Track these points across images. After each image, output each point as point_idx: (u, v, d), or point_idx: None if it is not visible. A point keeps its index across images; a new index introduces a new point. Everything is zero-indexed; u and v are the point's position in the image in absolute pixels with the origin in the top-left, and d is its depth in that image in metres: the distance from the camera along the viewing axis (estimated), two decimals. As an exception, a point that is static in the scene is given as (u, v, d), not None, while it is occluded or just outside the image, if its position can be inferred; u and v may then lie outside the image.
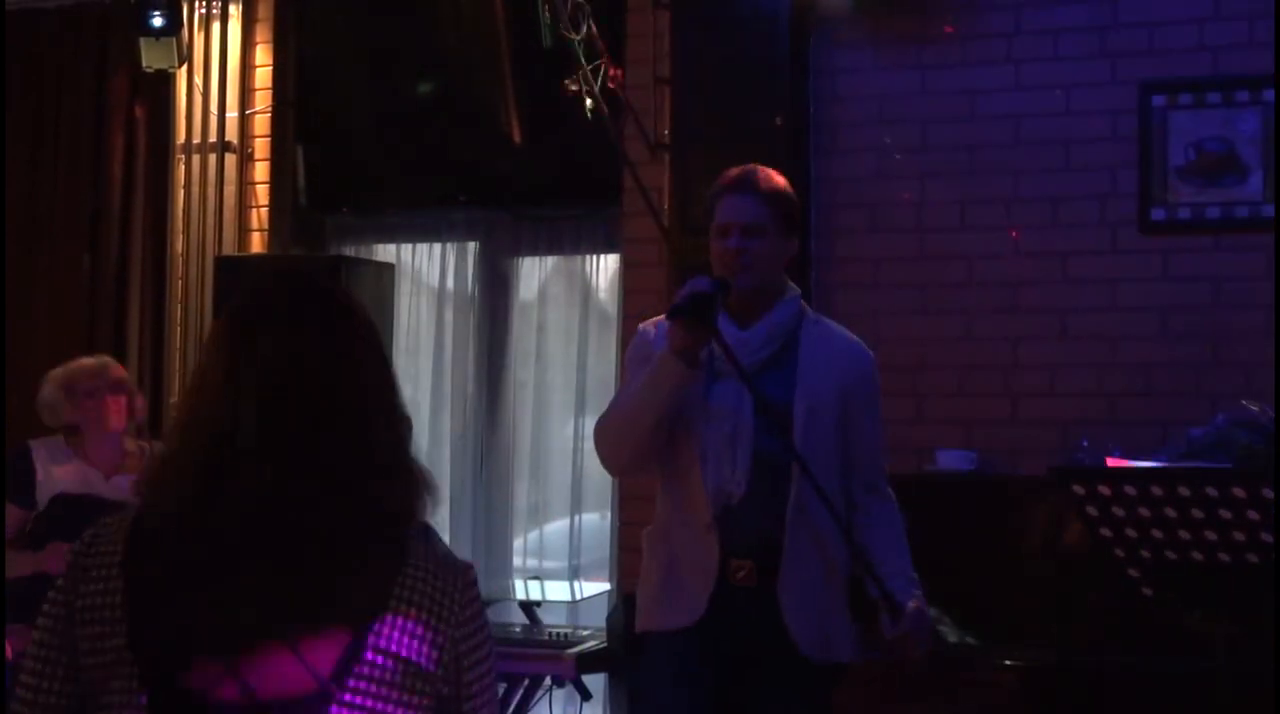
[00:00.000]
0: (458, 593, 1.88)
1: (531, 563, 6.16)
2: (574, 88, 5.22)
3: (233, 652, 1.76)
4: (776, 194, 3.59)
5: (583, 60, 5.16)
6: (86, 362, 4.94)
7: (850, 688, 3.80)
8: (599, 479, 6.02)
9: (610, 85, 5.29)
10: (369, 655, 1.80)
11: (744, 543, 3.45)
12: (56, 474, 4.75)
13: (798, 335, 3.57)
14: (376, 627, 1.81)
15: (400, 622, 1.82)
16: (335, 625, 1.80)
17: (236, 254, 6.30)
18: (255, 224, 6.44)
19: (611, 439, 3.56)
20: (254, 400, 1.82)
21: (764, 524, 3.45)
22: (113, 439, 4.83)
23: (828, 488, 3.40)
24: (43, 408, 4.87)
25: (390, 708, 1.80)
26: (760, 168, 3.67)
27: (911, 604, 3.43)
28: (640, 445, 3.50)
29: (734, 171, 3.66)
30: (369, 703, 1.79)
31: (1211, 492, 3.24)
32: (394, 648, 1.81)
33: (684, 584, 3.49)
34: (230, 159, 6.42)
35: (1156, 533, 3.34)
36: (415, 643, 1.83)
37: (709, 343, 3.41)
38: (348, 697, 1.78)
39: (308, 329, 1.87)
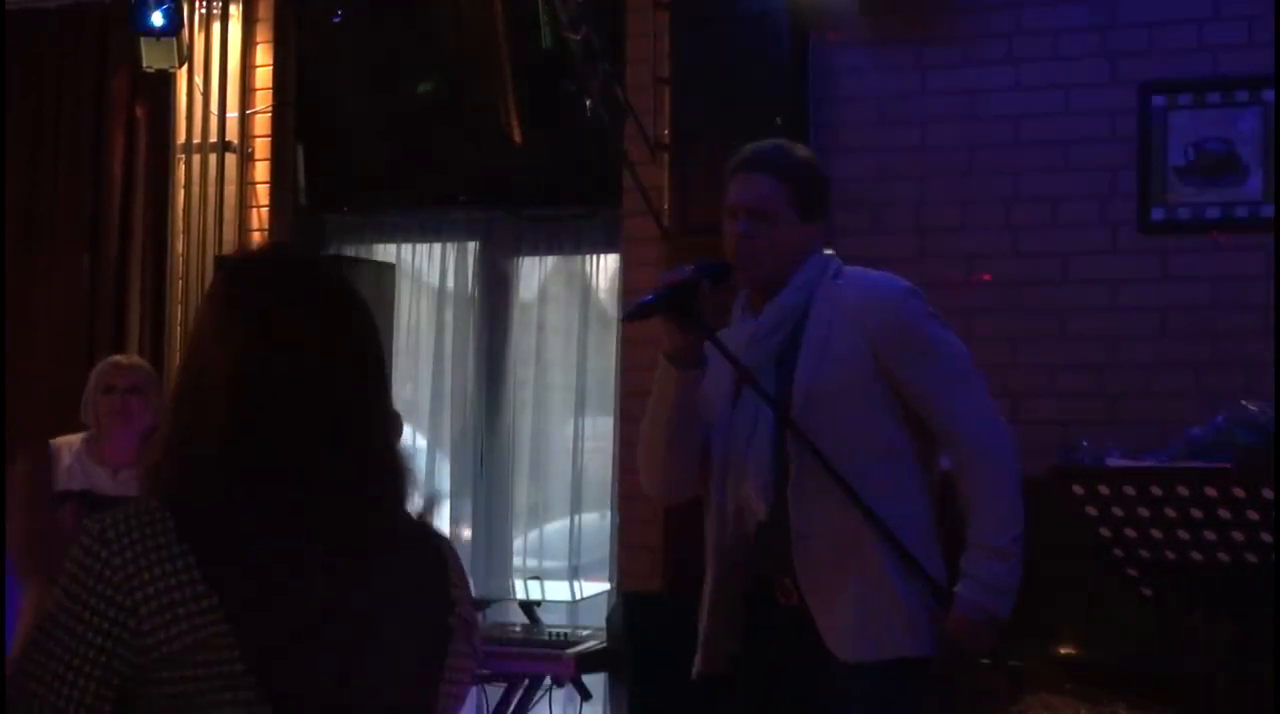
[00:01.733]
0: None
1: (531, 563, 6.15)
2: (574, 88, 5.22)
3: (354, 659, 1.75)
4: (793, 172, 3.24)
5: (582, 60, 5.16)
6: (118, 359, 4.98)
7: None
8: (599, 479, 6.03)
9: (609, 85, 5.29)
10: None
11: (779, 562, 3.14)
12: (66, 474, 4.78)
13: (809, 308, 3.21)
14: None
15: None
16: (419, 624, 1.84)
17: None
18: (255, 224, 6.44)
19: (641, 462, 3.28)
20: (278, 386, 1.77)
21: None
22: (127, 437, 4.84)
23: (854, 463, 3.05)
24: (84, 401, 4.90)
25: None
26: (783, 142, 3.37)
27: (961, 589, 3.04)
28: (664, 465, 3.22)
29: (750, 145, 3.33)
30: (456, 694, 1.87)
31: (1211, 492, 3.25)
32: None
33: (716, 619, 3.22)
34: (230, 159, 6.42)
35: (1156, 533, 3.35)
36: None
37: (702, 338, 3.11)
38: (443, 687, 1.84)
39: (324, 315, 1.83)
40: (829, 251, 3.32)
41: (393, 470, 1.84)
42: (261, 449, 1.75)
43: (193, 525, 1.71)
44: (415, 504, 1.87)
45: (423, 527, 1.89)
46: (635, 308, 3.21)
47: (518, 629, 5.47)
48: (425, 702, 1.83)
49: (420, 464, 6.03)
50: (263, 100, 6.45)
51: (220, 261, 6.13)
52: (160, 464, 1.78)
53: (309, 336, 1.79)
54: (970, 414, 3.18)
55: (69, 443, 4.85)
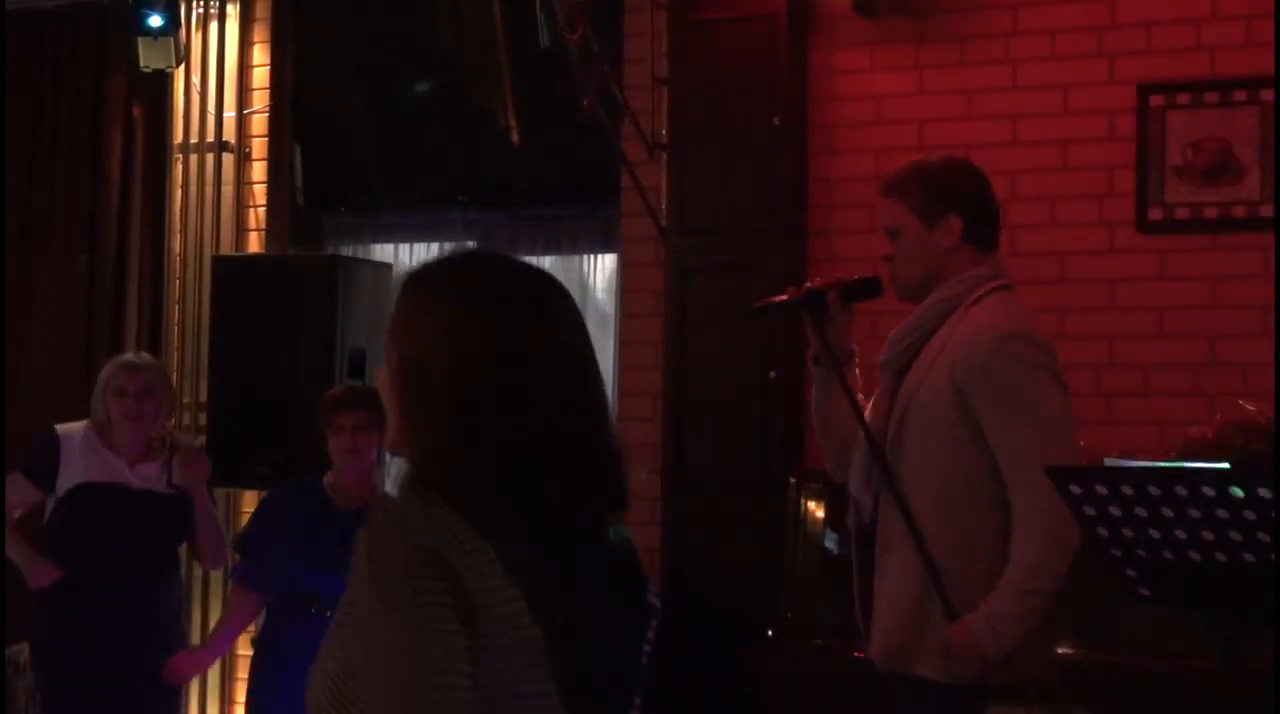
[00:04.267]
0: None
1: (530, 562, 6.15)
2: (572, 88, 5.22)
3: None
4: (904, 186, 3.34)
5: (580, 60, 5.16)
6: (129, 359, 5.03)
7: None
8: (597, 479, 6.02)
9: (609, 85, 5.29)
10: None
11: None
12: (81, 462, 4.80)
13: (938, 328, 3.29)
14: None
15: None
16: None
17: (234, 254, 6.30)
18: (253, 224, 6.44)
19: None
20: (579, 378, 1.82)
21: None
22: (140, 435, 4.87)
23: (926, 491, 3.18)
24: (95, 397, 4.92)
25: None
26: (913, 160, 3.45)
27: (966, 619, 3.13)
28: (825, 451, 3.48)
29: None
30: None
31: (1208, 491, 3.24)
32: None
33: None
34: (228, 159, 6.42)
35: (1153, 533, 3.34)
36: None
37: (823, 338, 3.34)
38: None
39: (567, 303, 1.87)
40: (988, 270, 3.34)
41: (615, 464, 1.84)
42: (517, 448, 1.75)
43: (483, 521, 1.69)
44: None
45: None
46: (765, 303, 3.49)
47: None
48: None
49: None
50: (260, 100, 6.44)
51: (218, 262, 6.12)
52: (422, 462, 1.74)
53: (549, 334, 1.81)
54: (1032, 468, 3.04)
55: (74, 430, 4.87)
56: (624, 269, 5.82)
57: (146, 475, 4.87)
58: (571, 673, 1.69)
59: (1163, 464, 4.21)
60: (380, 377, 1.83)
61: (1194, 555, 3.31)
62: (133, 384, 4.85)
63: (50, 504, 4.86)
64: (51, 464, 4.81)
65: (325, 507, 4.59)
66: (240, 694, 5.50)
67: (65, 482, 4.81)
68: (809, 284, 3.43)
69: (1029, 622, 3.16)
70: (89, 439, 4.85)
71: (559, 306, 1.83)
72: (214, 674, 6.16)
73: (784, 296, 3.43)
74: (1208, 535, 3.27)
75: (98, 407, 4.89)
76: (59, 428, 4.90)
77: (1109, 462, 4.21)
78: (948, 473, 3.22)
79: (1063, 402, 3.25)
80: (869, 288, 3.43)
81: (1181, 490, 3.26)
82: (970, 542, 3.21)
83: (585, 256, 6.24)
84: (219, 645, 5.10)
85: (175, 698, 5.09)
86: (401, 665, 1.62)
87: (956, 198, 3.34)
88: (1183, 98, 5.10)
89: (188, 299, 6.38)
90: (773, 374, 5.31)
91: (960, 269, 3.31)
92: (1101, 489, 3.37)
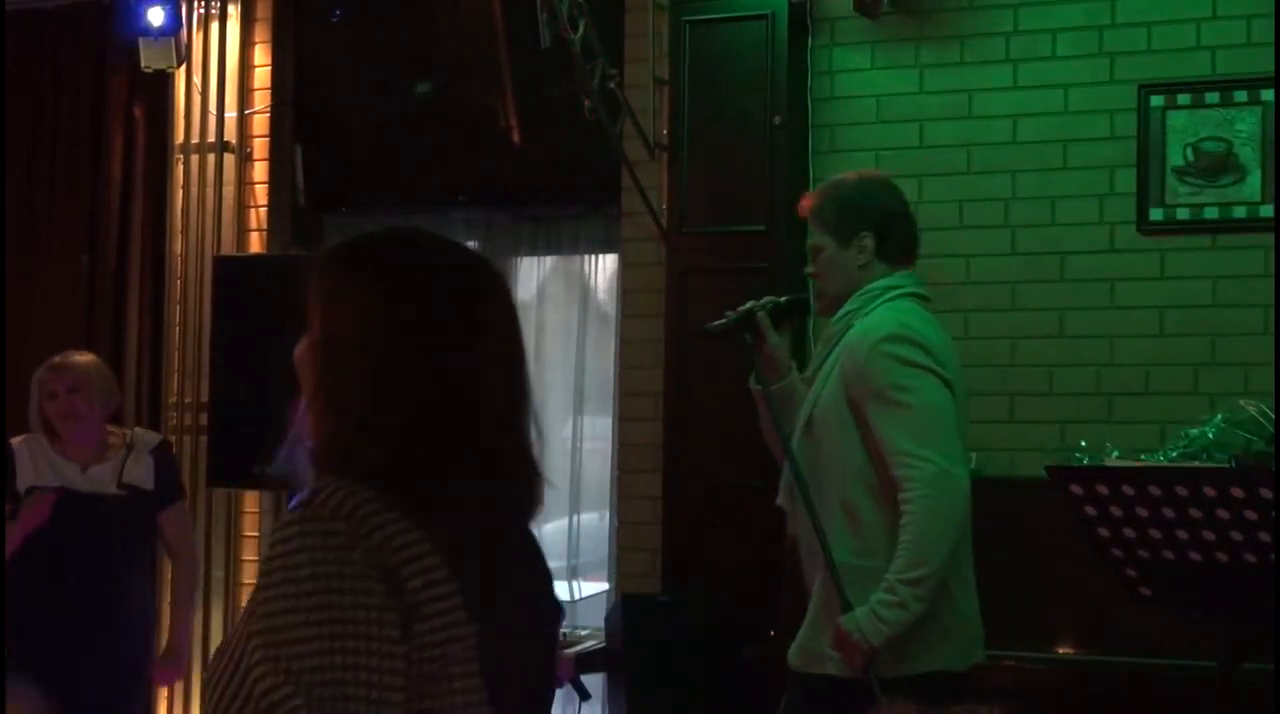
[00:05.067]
0: None
1: (530, 562, 6.14)
2: (573, 88, 5.22)
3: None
4: (820, 207, 3.57)
5: (581, 60, 5.16)
6: (54, 361, 4.96)
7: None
8: (597, 479, 6.02)
9: (608, 85, 5.29)
10: None
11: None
12: (31, 469, 4.78)
13: (844, 338, 3.48)
14: None
15: None
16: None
17: (235, 254, 6.29)
18: (254, 224, 6.43)
19: None
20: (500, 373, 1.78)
21: None
22: (85, 434, 4.84)
23: (835, 496, 3.37)
24: (30, 408, 4.90)
25: None
26: (832, 180, 3.71)
27: (854, 611, 3.27)
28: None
29: None
30: None
31: (1209, 491, 3.24)
32: None
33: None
34: (229, 159, 6.42)
35: (1154, 533, 3.34)
36: None
37: (761, 357, 3.54)
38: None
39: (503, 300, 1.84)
40: (895, 280, 3.52)
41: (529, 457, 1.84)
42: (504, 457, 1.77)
43: (401, 500, 1.65)
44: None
45: None
46: (711, 325, 3.69)
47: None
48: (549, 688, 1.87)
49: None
50: (261, 100, 6.44)
51: (219, 262, 6.11)
52: (332, 446, 1.71)
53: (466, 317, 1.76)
54: (915, 463, 3.28)
55: (28, 440, 4.84)
56: (624, 269, 5.82)
57: (96, 477, 4.83)
58: (501, 671, 1.69)
59: (1164, 464, 4.21)
60: (299, 350, 1.81)
61: (1195, 555, 3.31)
62: (61, 383, 4.83)
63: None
64: (8, 474, 4.78)
65: None
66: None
67: (21, 486, 4.78)
68: (741, 306, 3.61)
69: (912, 608, 3.24)
70: (37, 445, 4.83)
71: (485, 291, 1.79)
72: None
73: (721, 320, 3.63)
74: (1209, 536, 3.28)
75: (34, 419, 4.85)
76: (13, 440, 4.87)
77: (1110, 462, 4.22)
78: (849, 475, 3.38)
79: (940, 396, 3.37)
80: (797, 307, 3.67)
81: (1183, 490, 3.27)
82: (872, 541, 3.36)
83: (585, 256, 6.23)
84: (182, 633, 5.10)
85: (139, 692, 5.03)
86: (329, 659, 1.56)
87: (869, 216, 3.53)
88: (1183, 98, 5.10)
89: (189, 299, 6.37)
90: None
91: (871, 282, 3.50)
92: (1102, 489, 3.38)
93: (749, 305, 3.58)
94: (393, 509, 1.63)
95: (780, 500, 3.53)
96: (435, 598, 1.62)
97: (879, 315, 3.43)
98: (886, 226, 3.54)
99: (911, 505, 3.27)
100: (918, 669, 3.30)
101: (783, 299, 3.63)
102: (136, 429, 5.27)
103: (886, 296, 3.48)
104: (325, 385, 1.73)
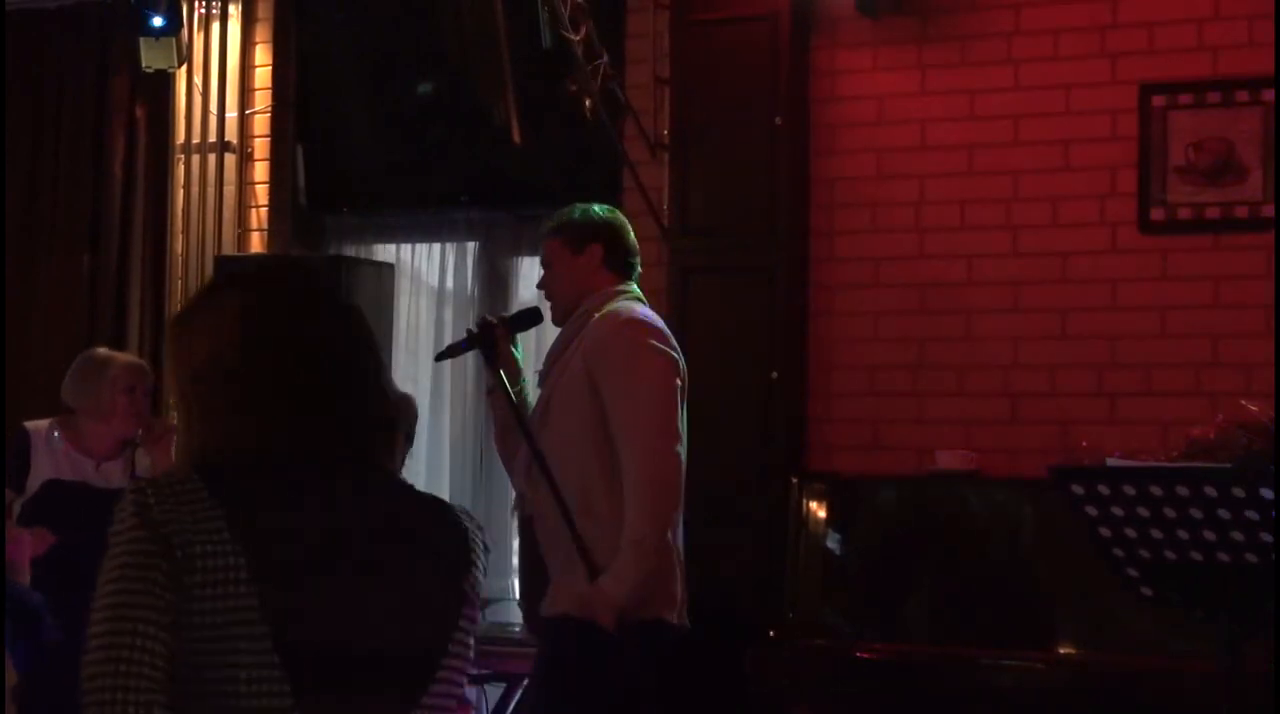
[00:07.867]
0: None
1: (531, 563, 6.14)
2: (574, 88, 5.22)
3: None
4: (557, 226, 3.93)
5: (582, 60, 5.16)
6: (138, 361, 5.03)
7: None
8: (598, 479, 6.01)
9: (610, 85, 5.29)
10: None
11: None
12: (49, 460, 4.77)
13: (580, 332, 3.81)
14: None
15: None
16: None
17: (236, 254, 6.30)
18: (255, 224, 6.44)
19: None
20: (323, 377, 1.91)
21: None
22: (127, 431, 4.85)
23: (569, 467, 3.63)
24: (72, 384, 4.85)
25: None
26: (568, 207, 3.99)
27: (599, 580, 3.57)
28: (516, 477, 3.94)
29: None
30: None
31: (1210, 491, 3.24)
32: None
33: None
34: (230, 159, 6.42)
35: (1155, 533, 3.34)
36: None
37: (496, 367, 3.82)
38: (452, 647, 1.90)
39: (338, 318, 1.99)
40: (625, 289, 3.88)
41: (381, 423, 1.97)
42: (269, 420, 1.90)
43: (218, 484, 1.84)
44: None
45: (436, 497, 2.02)
46: (445, 349, 4.09)
47: (517, 629, 5.46)
48: (429, 658, 1.87)
49: (420, 463, 6.03)
50: (262, 100, 6.45)
51: (220, 262, 6.12)
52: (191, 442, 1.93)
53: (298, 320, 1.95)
54: (635, 435, 3.66)
55: (42, 427, 4.84)
56: (625, 269, 5.81)
57: (110, 474, 4.84)
58: (300, 646, 1.77)
59: (1166, 464, 4.21)
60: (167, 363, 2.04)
61: (1196, 555, 3.31)
62: (142, 384, 4.85)
63: (17, 506, 4.81)
64: (23, 463, 4.78)
65: None
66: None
67: (34, 480, 4.78)
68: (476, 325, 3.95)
69: (643, 567, 3.62)
70: (57, 436, 4.83)
71: (311, 309, 1.97)
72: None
73: (461, 339, 3.97)
74: (1210, 535, 3.28)
75: (89, 400, 4.81)
76: (29, 425, 4.86)
77: (1112, 462, 4.21)
78: (585, 448, 3.70)
79: (669, 378, 3.73)
80: (531, 317, 3.99)
81: (1184, 490, 3.27)
82: (605, 508, 3.67)
83: (587, 257, 6.23)
84: None
85: None
86: (100, 612, 1.80)
87: (597, 230, 3.92)
88: (1185, 98, 5.09)
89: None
90: (774, 374, 5.32)
91: (601, 287, 3.86)
92: (1104, 489, 3.38)
93: (485, 322, 3.91)
94: (213, 496, 1.84)
95: (517, 482, 3.89)
96: (213, 565, 1.79)
97: (619, 306, 3.81)
98: (612, 241, 3.91)
99: (632, 474, 3.64)
100: (651, 614, 3.68)
101: (517, 312, 4.08)
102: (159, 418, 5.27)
103: (621, 298, 3.85)
104: (182, 391, 1.97)
